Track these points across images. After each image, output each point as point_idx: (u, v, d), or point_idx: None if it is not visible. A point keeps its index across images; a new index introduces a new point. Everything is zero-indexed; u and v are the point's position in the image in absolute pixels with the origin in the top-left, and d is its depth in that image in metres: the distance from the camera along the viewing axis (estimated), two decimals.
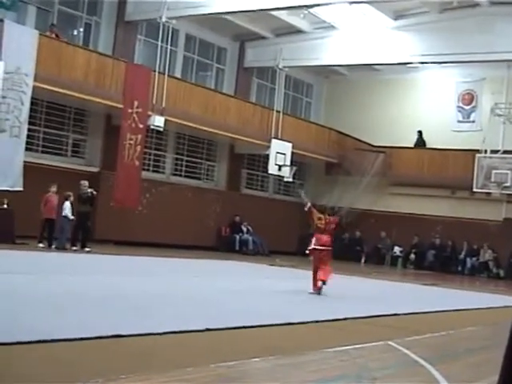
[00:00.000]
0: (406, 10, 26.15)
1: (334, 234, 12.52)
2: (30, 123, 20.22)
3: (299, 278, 17.08)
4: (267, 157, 27.40)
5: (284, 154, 27.42)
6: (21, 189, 19.08)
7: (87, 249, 18.70)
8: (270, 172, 27.70)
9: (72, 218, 18.79)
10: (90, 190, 19.28)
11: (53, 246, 18.48)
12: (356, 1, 23.01)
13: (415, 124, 30.96)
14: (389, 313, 10.70)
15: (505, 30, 23.17)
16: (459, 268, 28.86)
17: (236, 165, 29.56)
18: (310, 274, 12.48)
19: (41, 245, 18.44)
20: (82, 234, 19.10)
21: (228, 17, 26.10)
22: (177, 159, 27.37)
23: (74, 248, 18.74)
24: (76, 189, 19.36)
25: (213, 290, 11.92)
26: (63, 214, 18.77)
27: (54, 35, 21.31)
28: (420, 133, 31.63)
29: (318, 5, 23.91)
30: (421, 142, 31.73)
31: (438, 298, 15.91)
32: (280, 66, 28.80)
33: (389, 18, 26.06)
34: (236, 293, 11.87)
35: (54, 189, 19.14)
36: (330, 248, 12.15)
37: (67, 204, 18.84)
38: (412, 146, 30.38)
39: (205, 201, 26.94)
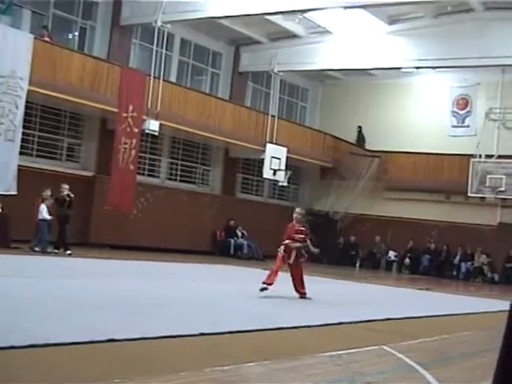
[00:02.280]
0: (400, 15, 26.21)
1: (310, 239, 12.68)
2: (24, 127, 20.19)
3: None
4: (262, 161, 27.41)
5: (279, 158, 27.44)
6: (15, 193, 19.03)
7: (56, 251, 18.53)
8: (264, 176, 27.71)
9: (49, 218, 18.61)
10: (66, 193, 19.06)
11: (47, 250, 18.39)
12: (351, 6, 23.03)
13: (410, 129, 31.01)
14: (383, 317, 10.70)
15: (499, 34, 23.24)
16: (454, 273, 28.89)
17: (231, 169, 29.57)
18: (303, 279, 12.63)
19: (36, 248, 18.40)
20: (58, 237, 18.98)
21: (223, 21, 26.12)
22: (172, 163, 27.35)
23: (56, 251, 18.64)
24: (74, 193, 19.34)
25: (207, 295, 11.91)
26: (40, 216, 18.60)
27: (46, 37, 21.22)
28: (360, 128, 31.74)
29: (313, 9, 23.95)
30: (361, 139, 31.81)
31: (432, 303, 15.93)
32: (275, 71, 28.83)
33: (383, 22, 26.12)
34: (230, 297, 11.86)
35: (47, 193, 19.11)
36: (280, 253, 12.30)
37: (43, 206, 18.67)
38: (409, 150, 30.31)
39: (200, 205, 26.93)
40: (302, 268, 12.59)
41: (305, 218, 12.71)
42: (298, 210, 12.83)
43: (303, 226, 12.57)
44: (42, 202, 18.79)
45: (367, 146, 31.19)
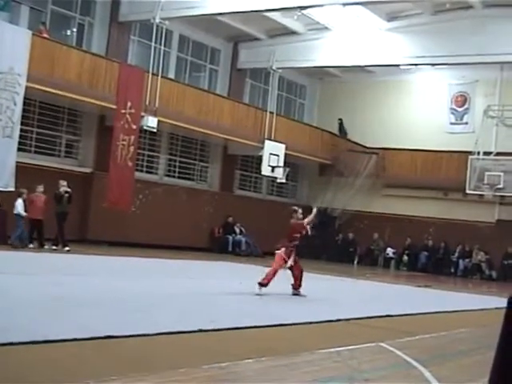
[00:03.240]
0: (399, 12, 26.18)
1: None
2: (22, 123, 20.17)
3: (291, 279, 17.06)
4: (260, 158, 27.40)
5: (277, 155, 27.43)
6: (13, 189, 19.01)
7: (54, 247, 18.57)
8: (263, 173, 27.70)
9: (24, 214, 18.46)
10: (63, 190, 19.05)
11: (15, 244, 18.25)
12: (349, 2, 23.01)
13: (408, 126, 31.02)
14: (381, 314, 10.72)
15: (497, 31, 23.21)
16: (452, 270, 28.90)
17: (229, 166, 29.56)
18: (303, 274, 12.66)
19: (31, 245, 18.35)
20: (56, 233, 18.94)
21: (221, 18, 26.08)
22: (170, 160, 27.34)
23: (54, 247, 18.63)
24: (72, 190, 19.35)
25: (205, 292, 11.90)
26: (15, 211, 18.45)
27: (44, 34, 21.16)
28: (340, 120, 31.89)
29: (312, 6, 23.92)
30: (342, 131, 31.89)
31: (430, 300, 15.94)
32: (273, 68, 28.80)
33: (382, 19, 26.08)
34: (228, 294, 11.86)
35: (40, 189, 19.02)
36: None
37: (19, 201, 18.55)
38: (407, 147, 30.29)
39: (198, 202, 26.92)
40: (301, 265, 12.62)
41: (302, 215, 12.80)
42: (299, 210, 12.93)
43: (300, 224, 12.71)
44: (19, 196, 18.65)
45: (365, 143, 31.13)
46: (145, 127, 23.06)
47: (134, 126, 22.70)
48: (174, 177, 27.35)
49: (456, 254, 28.98)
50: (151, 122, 22.90)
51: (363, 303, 12.91)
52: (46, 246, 18.56)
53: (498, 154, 27.92)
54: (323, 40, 27.67)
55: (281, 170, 27.76)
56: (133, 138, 22.80)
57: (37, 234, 18.83)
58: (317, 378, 5.78)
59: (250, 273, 18.33)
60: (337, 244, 31.22)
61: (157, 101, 23.15)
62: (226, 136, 26.49)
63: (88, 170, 23.53)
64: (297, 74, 32.80)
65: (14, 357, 5.35)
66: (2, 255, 15.44)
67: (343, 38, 27.04)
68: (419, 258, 29.60)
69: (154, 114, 23.05)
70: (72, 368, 5.21)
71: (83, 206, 22.45)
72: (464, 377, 6.51)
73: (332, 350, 7.01)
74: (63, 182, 19.20)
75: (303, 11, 25.27)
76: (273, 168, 27.38)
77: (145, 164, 26.04)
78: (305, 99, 34.47)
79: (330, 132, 31.43)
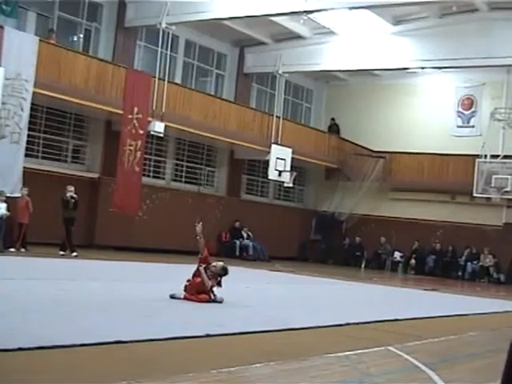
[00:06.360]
0: (405, 15, 26.18)
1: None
2: (29, 129, 20.25)
3: (298, 283, 17.07)
4: (267, 162, 27.39)
5: (284, 159, 27.42)
6: (20, 195, 19.05)
7: (62, 252, 18.48)
8: (270, 177, 27.69)
9: (6, 214, 18.11)
10: (69, 195, 18.97)
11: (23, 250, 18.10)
12: (355, 6, 23.01)
13: (415, 129, 30.98)
14: (390, 318, 10.68)
15: (504, 34, 23.21)
16: (460, 273, 28.85)
17: (236, 170, 29.57)
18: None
19: (12, 249, 18.17)
20: (64, 238, 18.84)
21: (228, 23, 26.13)
22: (177, 165, 27.37)
23: (62, 252, 18.52)
24: (79, 195, 19.36)
25: None
26: None
27: (52, 40, 21.24)
28: (333, 120, 32.31)
29: (318, 10, 23.93)
30: (334, 129, 32.03)
31: (438, 303, 15.90)
32: (280, 72, 28.82)
33: (388, 23, 26.09)
34: (236, 298, 11.85)
35: (24, 191, 18.77)
36: None
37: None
38: (414, 151, 30.23)
39: (205, 206, 26.91)
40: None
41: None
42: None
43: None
44: None
45: (371, 147, 31.10)
46: (152, 132, 23.11)
47: (141, 131, 22.75)
48: (180, 181, 27.39)
49: (464, 258, 28.93)
50: (158, 127, 22.94)
51: (371, 307, 12.88)
52: (23, 250, 18.26)
53: (506, 157, 27.89)
54: (329, 44, 27.70)
55: (288, 174, 27.74)
56: (140, 143, 22.85)
57: (17, 237, 18.59)
58: (325, 382, 5.77)
59: (257, 277, 18.32)
60: (344, 248, 31.21)
61: (163, 106, 23.20)
62: (232, 140, 26.52)
63: (95, 176, 23.58)
64: (303, 78, 32.82)
65: (23, 362, 5.35)
66: (9, 260, 15.47)
67: (349, 41, 27.06)
68: (427, 261, 29.55)
69: (161, 119, 23.09)
70: (81, 373, 5.20)
71: (90, 211, 22.49)
72: (473, 380, 6.48)
73: (340, 354, 6.99)
74: (70, 188, 19.15)
75: (309, 15, 25.29)
76: (280, 172, 27.37)
77: (152, 169, 26.08)
78: (311, 103, 34.47)
79: (337, 136, 31.46)
